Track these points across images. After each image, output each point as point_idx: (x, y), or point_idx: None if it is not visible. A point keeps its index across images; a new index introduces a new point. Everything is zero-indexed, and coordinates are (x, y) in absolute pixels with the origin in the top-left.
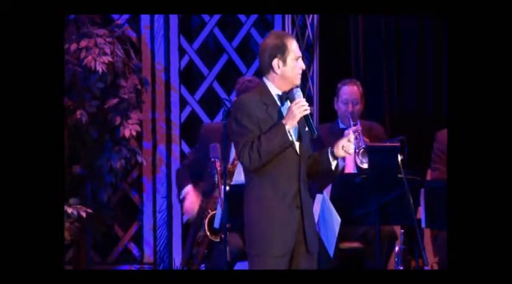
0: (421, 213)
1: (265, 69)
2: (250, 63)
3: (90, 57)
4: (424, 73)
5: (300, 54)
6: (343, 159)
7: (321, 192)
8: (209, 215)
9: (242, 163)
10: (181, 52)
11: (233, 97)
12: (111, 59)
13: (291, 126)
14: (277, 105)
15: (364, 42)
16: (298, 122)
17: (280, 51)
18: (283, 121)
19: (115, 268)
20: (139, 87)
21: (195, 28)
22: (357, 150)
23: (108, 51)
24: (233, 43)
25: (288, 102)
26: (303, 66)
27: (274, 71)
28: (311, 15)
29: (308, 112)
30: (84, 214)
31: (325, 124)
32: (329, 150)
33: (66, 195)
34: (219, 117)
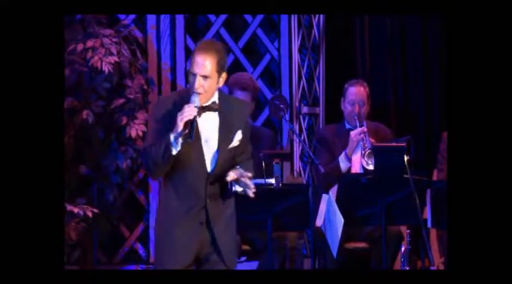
0: (427, 213)
1: None
2: (256, 63)
3: (96, 58)
4: (429, 74)
5: (195, 72)
6: (350, 160)
7: (327, 192)
8: None
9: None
10: (188, 52)
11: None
12: (117, 59)
13: (173, 134)
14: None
15: (369, 42)
16: (222, 137)
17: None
18: (173, 132)
19: (121, 268)
20: (145, 87)
21: (201, 28)
22: (362, 152)
23: (114, 51)
24: (239, 43)
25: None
26: (195, 85)
27: None
28: (317, 16)
29: (189, 118)
30: (90, 214)
31: (331, 125)
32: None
33: (73, 195)
34: None
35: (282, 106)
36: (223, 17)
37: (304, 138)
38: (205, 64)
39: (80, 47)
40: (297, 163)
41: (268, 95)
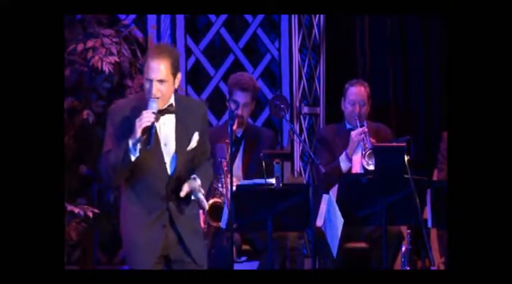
0: (427, 213)
1: None
2: (256, 63)
3: (96, 57)
4: (430, 74)
5: (150, 76)
6: (350, 160)
7: (328, 192)
8: (210, 202)
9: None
10: (188, 52)
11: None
12: (117, 59)
13: (131, 140)
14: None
15: (370, 42)
16: (178, 139)
17: (143, 67)
18: (130, 139)
19: (122, 268)
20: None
21: (202, 28)
22: (363, 152)
23: (114, 51)
24: (239, 43)
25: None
26: (151, 91)
27: None
28: (317, 16)
29: (147, 125)
30: (90, 214)
31: (331, 125)
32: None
33: (73, 195)
34: (225, 117)
35: (282, 106)
36: (223, 17)
37: (304, 138)
38: (160, 68)
39: (80, 47)
40: (298, 163)
41: (269, 95)
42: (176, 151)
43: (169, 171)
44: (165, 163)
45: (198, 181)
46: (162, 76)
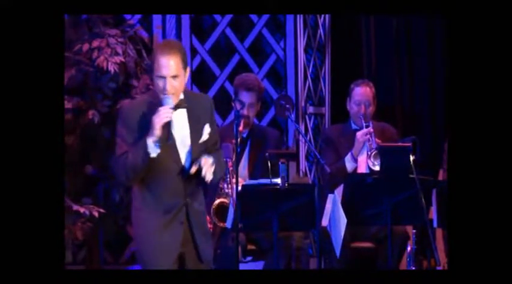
0: (433, 213)
1: None
2: (262, 63)
3: (102, 58)
4: (435, 73)
5: (162, 73)
6: (356, 160)
7: (333, 192)
8: (215, 203)
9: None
10: (193, 52)
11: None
12: (123, 59)
13: (151, 138)
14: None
15: (375, 42)
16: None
17: (151, 63)
18: (149, 136)
19: (127, 267)
20: (151, 87)
21: (207, 28)
22: (368, 153)
23: (120, 51)
24: (245, 43)
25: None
26: (166, 87)
27: None
28: (323, 16)
29: (166, 120)
30: (96, 214)
31: (337, 125)
32: None
33: (79, 195)
34: (231, 117)
35: (287, 106)
36: (228, 17)
37: (310, 138)
38: (172, 64)
39: (85, 47)
40: (303, 163)
41: (274, 95)
42: (191, 145)
43: (185, 166)
44: (180, 159)
45: (211, 159)
46: (175, 72)
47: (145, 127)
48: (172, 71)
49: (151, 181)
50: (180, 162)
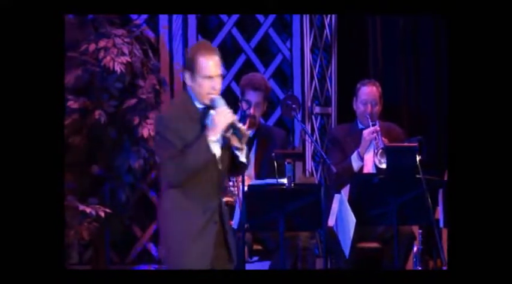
0: (439, 213)
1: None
2: (268, 63)
3: (108, 58)
4: (441, 73)
5: (210, 74)
6: (362, 159)
7: (339, 192)
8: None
9: (166, 178)
10: None
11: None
12: (129, 59)
13: (214, 138)
14: (199, 116)
15: (382, 42)
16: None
17: (190, 65)
18: (206, 134)
19: (133, 268)
20: (157, 87)
21: (213, 28)
22: (375, 151)
23: (126, 51)
24: (251, 43)
25: (211, 112)
26: (215, 87)
27: (187, 83)
28: (329, 16)
29: (232, 119)
30: (102, 214)
31: (343, 125)
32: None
33: (85, 195)
34: (237, 117)
35: (294, 106)
36: (235, 17)
37: (316, 138)
38: (218, 64)
39: (92, 47)
40: (309, 163)
41: (281, 95)
42: (224, 144)
43: (219, 166)
44: (216, 158)
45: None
46: (220, 71)
47: (189, 129)
48: (219, 70)
49: (192, 179)
50: (216, 161)
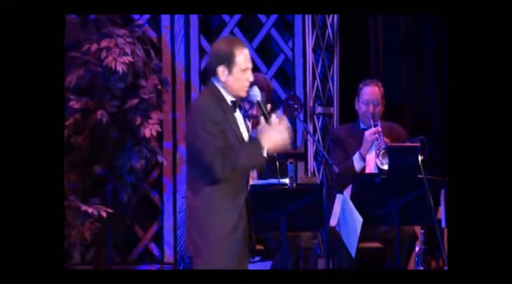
0: (441, 213)
1: (211, 73)
2: (270, 63)
3: (110, 58)
4: (442, 73)
5: (248, 66)
6: (364, 159)
7: (341, 192)
8: None
9: (211, 171)
10: (202, 52)
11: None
12: (131, 59)
13: (268, 150)
14: (231, 110)
15: (383, 42)
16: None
17: (227, 58)
18: (263, 144)
19: (135, 268)
20: (159, 87)
21: (215, 28)
22: (377, 151)
23: (128, 51)
24: (253, 43)
25: (243, 105)
26: (250, 78)
27: (220, 77)
28: (331, 16)
29: (286, 142)
30: (104, 214)
31: (345, 125)
32: None
33: (87, 195)
34: None
35: (296, 106)
36: (237, 17)
37: (318, 138)
38: (249, 56)
39: (94, 47)
40: (311, 163)
41: (283, 95)
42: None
43: None
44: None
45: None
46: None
47: (226, 124)
48: (251, 62)
49: (233, 177)
50: None
